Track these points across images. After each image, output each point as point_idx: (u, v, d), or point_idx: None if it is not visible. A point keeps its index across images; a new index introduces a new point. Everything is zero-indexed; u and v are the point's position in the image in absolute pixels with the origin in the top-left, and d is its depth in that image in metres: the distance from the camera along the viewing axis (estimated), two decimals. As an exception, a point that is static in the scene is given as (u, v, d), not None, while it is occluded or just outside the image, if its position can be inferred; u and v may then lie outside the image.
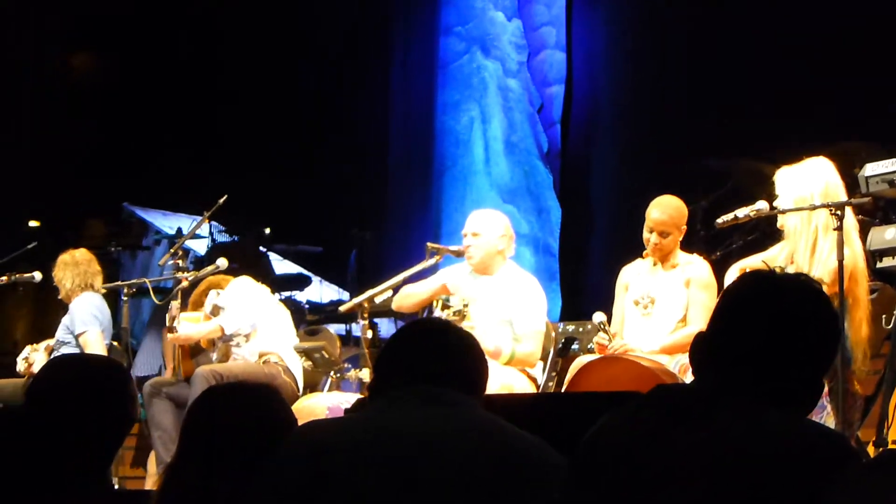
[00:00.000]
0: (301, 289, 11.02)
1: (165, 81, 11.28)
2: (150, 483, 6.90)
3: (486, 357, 2.87)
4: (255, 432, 2.76)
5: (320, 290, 10.45)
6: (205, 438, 2.80)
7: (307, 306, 10.60)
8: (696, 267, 5.88)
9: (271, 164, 10.99)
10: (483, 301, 6.18)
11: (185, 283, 6.97)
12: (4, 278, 7.83)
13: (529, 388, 6.06)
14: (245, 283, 7.15)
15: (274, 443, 2.72)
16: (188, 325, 6.92)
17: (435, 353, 2.72)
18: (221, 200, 7.22)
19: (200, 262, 8.35)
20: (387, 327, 9.06)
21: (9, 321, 9.48)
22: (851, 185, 5.26)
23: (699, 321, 5.64)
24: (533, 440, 2.59)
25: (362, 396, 5.47)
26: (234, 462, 2.73)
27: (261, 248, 10.83)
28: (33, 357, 7.49)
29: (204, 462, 2.75)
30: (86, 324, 7.33)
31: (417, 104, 11.39)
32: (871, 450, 4.94)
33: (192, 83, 11.22)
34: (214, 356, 7.10)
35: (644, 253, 5.95)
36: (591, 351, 6.08)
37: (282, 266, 11.65)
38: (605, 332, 5.80)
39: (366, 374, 6.11)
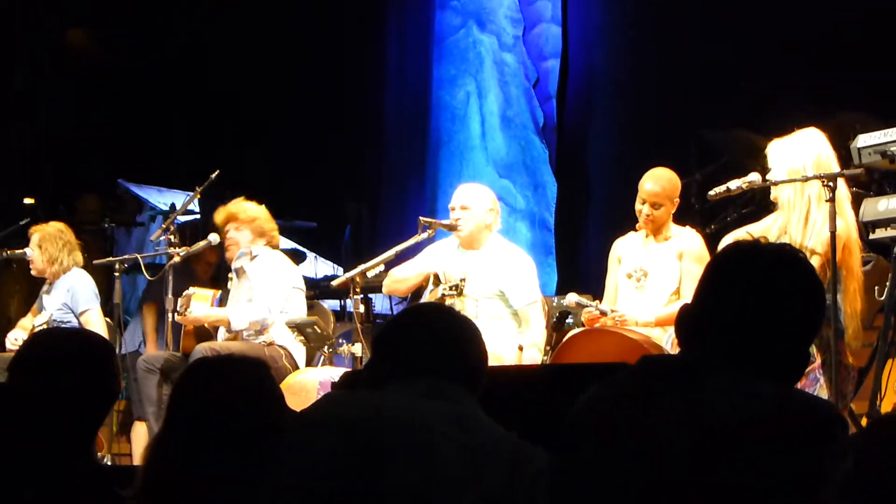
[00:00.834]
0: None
1: (159, 56, 11.23)
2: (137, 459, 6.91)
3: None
4: (242, 406, 2.73)
5: (315, 266, 10.40)
6: (191, 411, 2.77)
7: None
8: (688, 239, 5.88)
9: (265, 139, 10.94)
10: (473, 275, 6.20)
11: (176, 259, 6.93)
12: (-2, 255, 7.78)
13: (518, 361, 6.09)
14: (279, 266, 7.01)
15: (261, 417, 2.70)
16: (196, 307, 6.80)
17: (433, 343, 2.71)
18: (213, 175, 7.19)
19: (194, 236, 8.30)
20: (381, 303, 9.05)
21: (1, 298, 9.45)
22: (846, 157, 5.23)
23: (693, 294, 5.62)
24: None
25: (350, 371, 5.47)
26: (220, 435, 2.70)
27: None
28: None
29: (189, 435, 2.73)
30: (89, 302, 7.29)
31: (413, 79, 11.34)
32: (864, 422, 4.95)
33: (186, 58, 11.17)
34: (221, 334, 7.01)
35: (637, 225, 5.94)
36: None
37: (276, 242, 11.60)
38: (586, 305, 5.81)
39: (358, 349, 6.11)
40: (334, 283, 6.67)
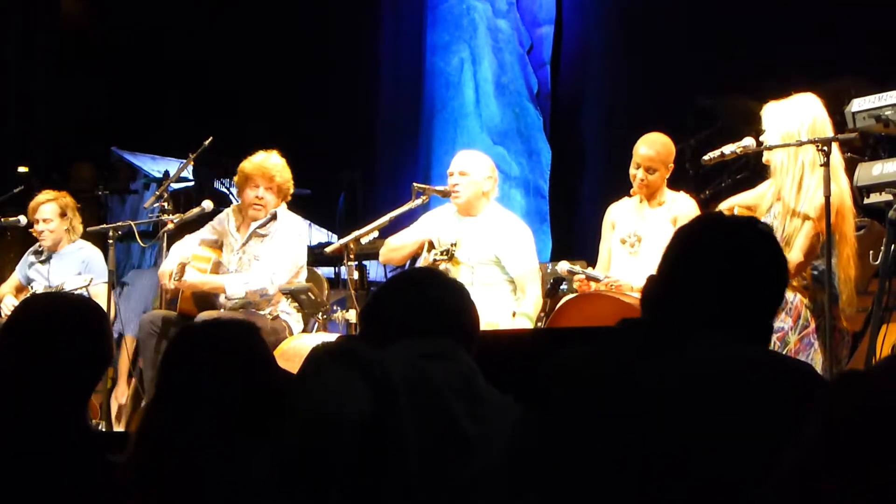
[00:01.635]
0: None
1: (154, 25, 11.19)
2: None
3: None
4: (231, 369, 2.72)
5: (309, 233, 10.40)
6: (180, 376, 2.76)
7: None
8: (682, 204, 5.87)
9: (259, 106, 10.92)
10: (469, 242, 6.19)
11: (170, 226, 6.90)
12: (-9, 223, 7.77)
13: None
14: (295, 238, 6.71)
15: (250, 380, 2.70)
16: (193, 273, 6.50)
17: (427, 305, 2.72)
18: (207, 142, 7.15)
19: (188, 203, 8.27)
20: (376, 270, 9.04)
21: (-4, 266, 9.45)
22: (841, 123, 5.21)
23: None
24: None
25: (343, 335, 5.46)
26: (211, 399, 2.70)
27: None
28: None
29: (180, 400, 2.72)
30: (101, 274, 7.29)
31: (407, 45, 11.31)
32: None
33: (180, 24, 11.13)
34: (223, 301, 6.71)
35: (631, 191, 5.93)
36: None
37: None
38: (577, 272, 5.80)
39: (352, 315, 6.09)
40: (328, 249, 6.64)
